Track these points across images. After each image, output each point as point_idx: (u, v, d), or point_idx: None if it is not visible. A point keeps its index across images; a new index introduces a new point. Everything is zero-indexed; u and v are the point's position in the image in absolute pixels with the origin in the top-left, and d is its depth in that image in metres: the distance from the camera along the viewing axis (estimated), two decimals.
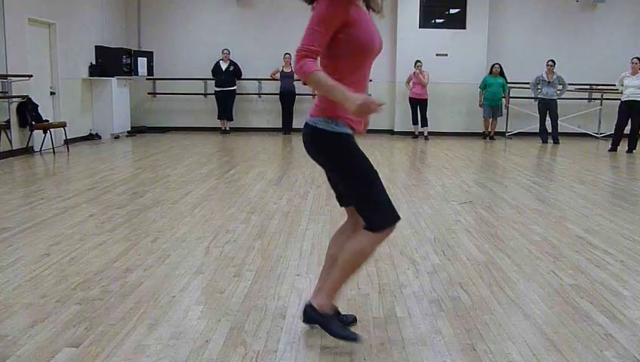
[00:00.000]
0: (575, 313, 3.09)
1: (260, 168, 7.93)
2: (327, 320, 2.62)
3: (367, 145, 10.45)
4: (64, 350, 2.59)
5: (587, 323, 2.97)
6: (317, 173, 7.53)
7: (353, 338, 2.60)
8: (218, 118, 12.76)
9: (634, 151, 10.29)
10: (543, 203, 5.95)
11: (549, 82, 11.73)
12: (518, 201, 5.97)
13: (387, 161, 9.06)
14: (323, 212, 5.32)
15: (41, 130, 9.13)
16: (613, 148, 10.47)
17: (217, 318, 2.94)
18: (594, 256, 4.09)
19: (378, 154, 9.68)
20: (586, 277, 3.65)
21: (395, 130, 13.09)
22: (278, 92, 12.68)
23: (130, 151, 10.04)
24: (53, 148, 9.18)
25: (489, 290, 3.39)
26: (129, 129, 12.19)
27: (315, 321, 2.67)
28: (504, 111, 12.53)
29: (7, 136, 8.67)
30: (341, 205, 2.72)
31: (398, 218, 2.51)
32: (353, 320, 2.85)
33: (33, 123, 8.98)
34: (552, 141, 11.76)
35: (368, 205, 2.49)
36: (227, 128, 12.77)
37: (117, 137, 11.59)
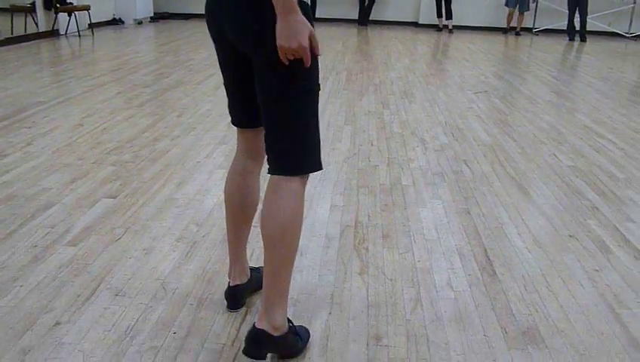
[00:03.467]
0: (568, 189, 3.34)
1: None
2: (285, 341, 1.74)
3: (390, 38, 10.46)
4: (103, 200, 2.93)
5: (577, 197, 3.22)
6: (337, 61, 7.63)
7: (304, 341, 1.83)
8: None
9: None
10: (558, 95, 6.05)
11: None
12: (533, 93, 6.08)
13: (409, 51, 9.06)
14: (340, 96, 5.50)
15: (66, 13, 9.23)
16: None
17: None
18: (597, 143, 4.27)
19: (400, 45, 9.67)
20: (585, 161, 3.86)
21: (420, 22, 12.90)
22: None
23: (154, 36, 10.13)
24: (78, 31, 9.31)
25: (491, 167, 3.63)
26: (152, 15, 12.19)
27: (267, 348, 1.73)
28: (532, 5, 12.22)
29: (34, 18, 8.80)
30: (241, 123, 1.84)
31: (321, 165, 1.69)
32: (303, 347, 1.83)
33: (58, 5, 9.06)
34: (579, 39, 11.55)
35: (309, 132, 1.63)
36: None
37: (140, 23, 11.63)
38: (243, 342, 1.75)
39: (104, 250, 2.42)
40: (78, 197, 2.96)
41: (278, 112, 1.60)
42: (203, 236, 2.57)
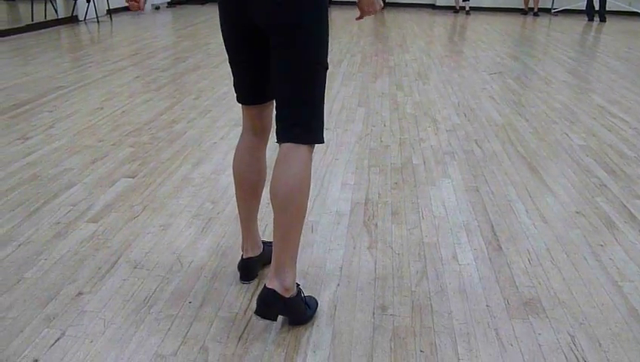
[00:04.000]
0: (577, 167, 3.37)
1: None
2: (294, 303, 1.84)
3: (406, 20, 10.44)
4: (122, 179, 3.04)
5: (586, 175, 3.26)
6: (352, 43, 7.66)
7: (314, 308, 1.95)
8: None
9: None
10: (573, 75, 6.04)
11: None
12: (548, 73, 6.07)
13: (424, 33, 9.05)
14: (355, 78, 5.55)
15: (85, 0, 9.36)
16: None
17: None
18: (609, 122, 4.29)
19: (416, 27, 9.65)
20: (597, 140, 3.88)
21: (437, 4, 12.83)
22: None
23: (171, 22, 10.23)
24: (97, 17, 9.44)
25: (501, 147, 3.68)
26: (169, 0, 12.28)
27: (280, 311, 1.82)
28: None
29: (53, 5, 8.94)
30: (248, 101, 1.92)
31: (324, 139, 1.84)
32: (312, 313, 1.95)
33: None
34: (598, 19, 11.41)
35: (319, 105, 1.78)
36: None
37: (157, 8, 11.74)
38: (256, 305, 1.83)
39: (124, 226, 2.53)
40: (99, 176, 3.07)
41: (295, 86, 1.73)
42: (218, 213, 2.66)
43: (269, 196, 1.82)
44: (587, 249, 2.44)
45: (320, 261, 2.28)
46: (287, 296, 1.81)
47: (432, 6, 12.88)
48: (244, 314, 1.94)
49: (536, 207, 2.83)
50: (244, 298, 2.03)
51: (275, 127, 1.81)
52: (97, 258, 2.26)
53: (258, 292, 2.06)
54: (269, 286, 1.80)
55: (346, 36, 8.40)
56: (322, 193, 2.90)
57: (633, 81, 5.82)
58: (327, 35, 1.76)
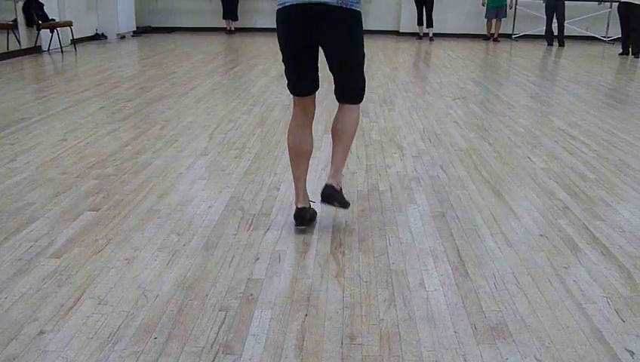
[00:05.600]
0: (540, 190, 3.44)
1: (263, 66, 8.13)
2: (342, 195, 2.82)
3: (372, 46, 10.58)
4: (86, 213, 2.99)
5: (549, 198, 3.32)
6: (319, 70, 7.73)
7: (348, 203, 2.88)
8: (223, 18, 12.76)
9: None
10: (534, 99, 6.19)
11: None
12: (510, 98, 6.21)
13: (389, 60, 9.19)
14: (321, 105, 5.57)
15: (48, 30, 9.27)
16: (624, 52, 10.36)
17: (219, 190, 3.32)
18: (570, 145, 4.40)
19: (381, 53, 9.80)
20: (558, 163, 3.97)
21: (401, 31, 13.07)
22: None
23: (137, 51, 10.20)
24: (60, 47, 9.35)
25: (466, 171, 3.73)
26: (134, 29, 12.26)
27: (334, 199, 2.76)
28: (509, 12, 12.43)
29: (16, 35, 8.83)
30: (304, 93, 2.74)
31: None
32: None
33: (40, 22, 9.11)
34: (557, 44, 11.75)
35: (362, 79, 2.81)
36: (232, 28, 12.80)
37: (123, 37, 11.69)
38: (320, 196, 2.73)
39: (87, 260, 2.48)
40: (62, 210, 3.01)
41: (353, 70, 2.75)
42: (184, 245, 2.63)
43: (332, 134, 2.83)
44: (551, 271, 2.48)
45: (287, 291, 2.27)
46: (338, 189, 2.76)
47: (397, 32, 13.11)
48: (211, 348, 1.91)
49: (501, 230, 2.87)
50: (210, 331, 2.00)
51: (335, 94, 2.79)
52: (60, 295, 2.21)
53: (224, 326, 2.04)
54: (329, 183, 2.76)
55: None
56: (289, 222, 2.89)
57: (592, 105, 5.99)
58: (363, 42, 2.72)
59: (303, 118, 2.79)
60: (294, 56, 2.68)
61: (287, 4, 2.56)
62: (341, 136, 2.80)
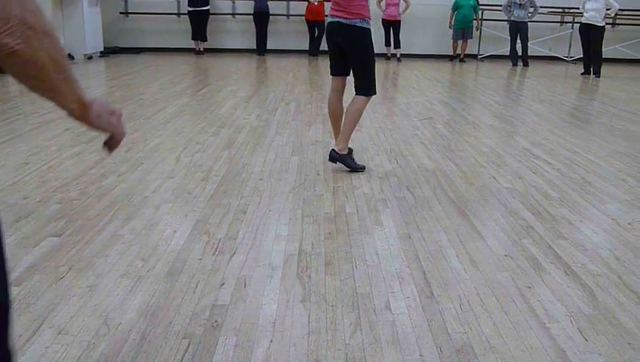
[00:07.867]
0: (505, 210, 3.49)
1: (232, 87, 8.13)
2: (344, 158, 4.10)
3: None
4: (48, 239, 2.92)
5: (513, 217, 3.37)
6: (287, 92, 7.77)
7: (362, 167, 4.16)
8: (192, 39, 12.75)
9: (601, 75, 10.35)
10: (499, 119, 6.30)
11: (520, 4, 11.81)
12: (475, 118, 6.31)
13: None
14: (289, 126, 5.61)
15: None
16: (586, 72, 10.63)
17: (185, 213, 3.28)
18: (533, 165, 4.47)
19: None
20: (522, 182, 4.04)
21: None
22: (252, 12, 12.65)
23: (104, 71, 10.11)
24: None
25: (432, 192, 3.77)
26: (102, 49, 12.15)
27: (337, 160, 4.09)
28: (475, 33, 12.69)
29: None
30: (335, 74, 4.21)
31: (376, 91, 4.18)
32: (362, 168, 4.18)
33: None
34: (521, 64, 12.01)
35: (370, 79, 4.06)
36: (201, 49, 12.78)
37: (90, 58, 11.58)
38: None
39: (47, 288, 2.42)
40: (22, 236, 2.95)
41: (363, 69, 4.05)
42: (148, 271, 2.59)
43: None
44: (515, 291, 2.51)
45: (252, 317, 2.25)
46: (340, 153, 4.09)
47: None
48: None
49: (466, 251, 2.89)
50: (173, 360, 1.96)
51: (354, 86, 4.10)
52: (19, 324, 2.15)
53: (187, 354, 2.00)
54: (333, 148, 4.13)
55: (280, 84, 8.52)
56: (255, 246, 2.87)
57: (555, 124, 6.12)
58: (372, 49, 4.09)
59: (338, 92, 4.23)
60: (330, 52, 4.20)
61: (327, 20, 4.10)
62: (347, 114, 4.11)
